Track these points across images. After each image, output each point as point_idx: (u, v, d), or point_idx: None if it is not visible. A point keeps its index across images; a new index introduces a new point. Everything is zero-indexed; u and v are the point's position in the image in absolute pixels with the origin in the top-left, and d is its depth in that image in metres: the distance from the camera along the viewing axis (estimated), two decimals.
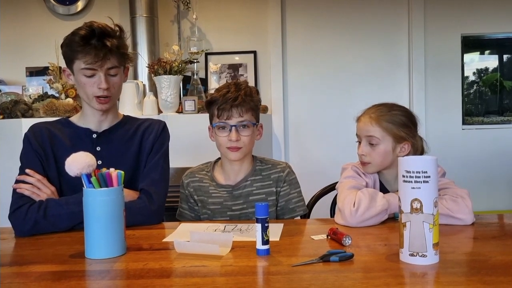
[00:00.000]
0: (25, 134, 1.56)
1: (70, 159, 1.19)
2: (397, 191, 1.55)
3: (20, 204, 1.41)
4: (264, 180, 1.68)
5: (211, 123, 1.67)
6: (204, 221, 1.64)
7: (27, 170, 1.48)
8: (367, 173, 1.57)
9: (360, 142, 1.59)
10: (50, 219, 1.38)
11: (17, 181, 1.48)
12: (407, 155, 1.53)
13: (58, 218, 1.39)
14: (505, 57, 3.77)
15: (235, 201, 1.65)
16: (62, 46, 1.51)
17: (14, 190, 1.46)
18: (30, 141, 1.54)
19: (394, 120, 1.53)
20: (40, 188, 1.46)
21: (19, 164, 1.53)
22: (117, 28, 1.52)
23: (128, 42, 1.58)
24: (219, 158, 1.73)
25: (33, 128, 1.58)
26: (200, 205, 1.68)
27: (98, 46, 1.44)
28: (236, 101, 1.57)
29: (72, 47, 1.45)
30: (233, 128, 1.59)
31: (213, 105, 1.61)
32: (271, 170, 1.70)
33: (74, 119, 1.62)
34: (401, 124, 1.53)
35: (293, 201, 1.69)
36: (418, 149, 1.57)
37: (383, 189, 1.57)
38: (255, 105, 1.64)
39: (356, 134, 1.60)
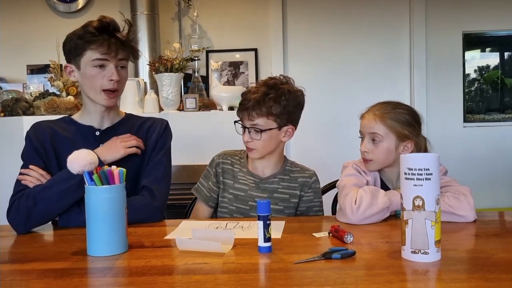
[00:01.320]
0: (27, 132, 1.56)
1: (72, 156, 1.19)
2: (399, 189, 1.55)
3: (13, 201, 1.42)
4: (291, 182, 1.68)
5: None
6: (206, 219, 1.65)
7: (31, 166, 1.47)
8: (368, 171, 1.57)
9: (363, 139, 1.59)
10: (41, 205, 1.37)
11: (20, 175, 1.48)
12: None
13: (48, 202, 1.38)
14: (506, 54, 3.76)
15: (260, 193, 1.65)
16: (66, 42, 1.50)
17: (14, 188, 1.46)
18: (31, 139, 1.53)
19: (398, 118, 1.53)
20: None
21: (20, 162, 1.52)
22: (127, 23, 1.54)
23: None
24: None
25: (34, 126, 1.58)
26: (222, 188, 1.68)
27: (112, 37, 1.47)
28: (248, 104, 1.56)
29: (86, 38, 1.45)
30: (246, 129, 1.60)
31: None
32: (299, 173, 1.70)
33: (76, 117, 1.61)
34: (405, 123, 1.53)
35: (314, 209, 1.69)
36: (421, 149, 1.56)
37: (384, 187, 1.57)
38: (276, 111, 1.56)
39: (359, 131, 1.60)
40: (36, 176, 1.46)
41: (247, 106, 1.57)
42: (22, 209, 1.38)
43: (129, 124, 1.62)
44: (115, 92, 1.52)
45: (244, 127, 1.61)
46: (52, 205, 1.39)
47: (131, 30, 1.54)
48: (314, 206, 1.69)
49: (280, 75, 1.65)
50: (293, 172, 1.70)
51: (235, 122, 1.65)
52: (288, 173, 1.69)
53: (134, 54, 1.56)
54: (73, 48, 1.49)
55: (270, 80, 1.62)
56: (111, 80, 1.48)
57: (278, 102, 1.56)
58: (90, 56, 1.47)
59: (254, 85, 1.67)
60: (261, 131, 1.58)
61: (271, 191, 1.66)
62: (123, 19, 1.55)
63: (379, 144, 1.53)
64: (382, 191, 1.46)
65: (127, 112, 1.70)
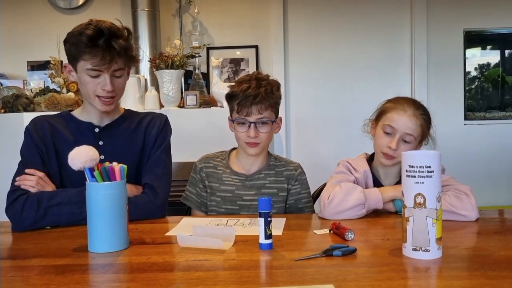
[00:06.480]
0: (26, 127, 1.55)
1: (73, 153, 1.18)
2: (396, 185, 1.56)
3: (15, 198, 1.41)
4: (277, 176, 1.69)
5: (231, 115, 1.66)
6: (207, 215, 1.65)
7: (27, 170, 1.46)
8: (387, 166, 1.54)
9: (389, 134, 1.51)
10: (50, 218, 1.38)
11: (16, 175, 1.47)
12: None
13: (58, 218, 1.39)
14: (507, 52, 3.76)
15: (247, 191, 1.66)
16: (65, 42, 1.47)
17: (12, 184, 1.45)
18: (31, 134, 1.53)
19: (426, 120, 1.51)
20: (42, 186, 1.45)
21: (20, 158, 1.52)
22: (125, 30, 1.48)
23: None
24: (233, 148, 1.75)
25: (34, 121, 1.57)
26: (209, 192, 1.69)
27: (106, 48, 1.41)
28: (256, 98, 1.56)
29: (79, 47, 1.41)
30: (252, 125, 1.59)
31: (233, 100, 1.61)
32: (284, 167, 1.71)
33: (76, 113, 1.61)
34: (428, 125, 1.52)
35: (302, 201, 1.70)
36: None
37: (378, 184, 1.57)
38: (275, 102, 1.62)
39: (389, 125, 1.51)
40: (35, 180, 1.44)
41: (255, 101, 1.56)
42: (28, 215, 1.37)
43: (128, 120, 1.62)
44: (111, 98, 1.50)
45: (249, 123, 1.59)
46: (61, 220, 1.39)
47: (129, 38, 1.49)
48: (302, 198, 1.71)
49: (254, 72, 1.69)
50: (278, 166, 1.71)
51: (233, 120, 1.63)
52: (273, 168, 1.70)
53: (132, 62, 1.53)
54: (69, 52, 1.46)
55: (254, 76, 1.62)
56: (104, 89, 1.46)
57: (275, 94, 1.61)
58: (84, 65, 1.44)
59: (234, 83, 1.65)
60: (271, 122, 1.62)
61: (259, 187, 1.67)
62: (121, 26, 1.48)
63: (408, 146, 1.49)
64: (360, 188, 1.45)
65: (127, 108, 1.69)
